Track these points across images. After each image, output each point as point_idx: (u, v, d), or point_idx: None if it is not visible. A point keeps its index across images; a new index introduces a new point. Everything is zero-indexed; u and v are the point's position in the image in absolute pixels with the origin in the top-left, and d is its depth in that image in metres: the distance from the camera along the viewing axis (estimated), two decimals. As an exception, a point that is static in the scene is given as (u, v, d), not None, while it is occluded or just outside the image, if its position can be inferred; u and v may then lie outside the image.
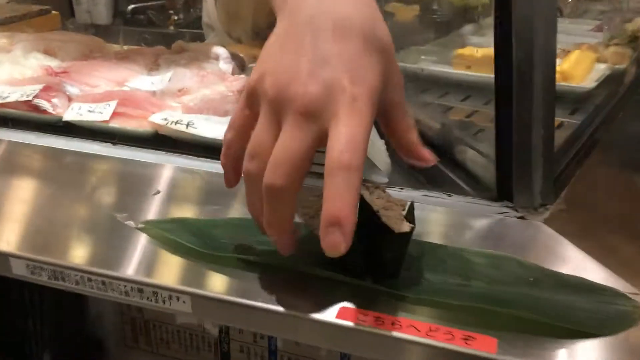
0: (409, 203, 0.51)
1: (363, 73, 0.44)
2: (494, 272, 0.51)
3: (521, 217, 0.59)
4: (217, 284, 0.50)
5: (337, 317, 0.46)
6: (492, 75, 0.84)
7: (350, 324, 0.45)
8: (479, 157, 0.69)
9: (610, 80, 0.92)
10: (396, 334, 0.44)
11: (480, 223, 0.59)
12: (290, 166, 0.43)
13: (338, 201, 0.41)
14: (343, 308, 0.47)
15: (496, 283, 0.49)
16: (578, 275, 0.51)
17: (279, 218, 0.46)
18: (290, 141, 0.43)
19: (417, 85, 0.93)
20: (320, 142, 0.43)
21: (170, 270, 0.52)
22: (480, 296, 0.47)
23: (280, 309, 0.47)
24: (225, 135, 0.51)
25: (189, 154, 0.72)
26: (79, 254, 0.55)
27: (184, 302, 0.49)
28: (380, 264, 0.50)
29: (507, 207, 0.61)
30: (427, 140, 0.77)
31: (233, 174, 0.52)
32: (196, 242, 0.54)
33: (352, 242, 0.46)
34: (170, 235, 0.55)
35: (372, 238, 0.50)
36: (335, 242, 0.42)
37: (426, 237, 0.56)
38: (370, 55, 0.45)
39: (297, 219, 0.49)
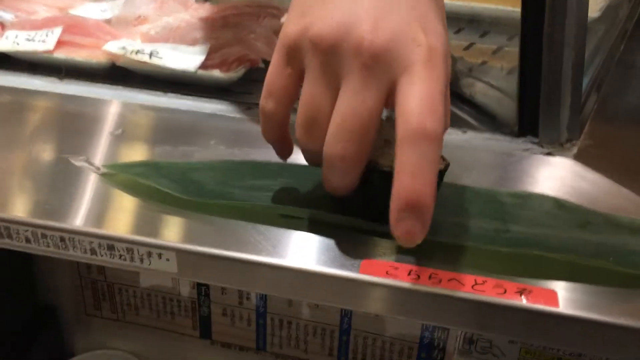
0: None
1: (434, 24, 0.36)
2: (532, 214, 0.44)
3: (549, 154, 0.52)
4: (207, 236, 0.40)
5: (361, 271, 0.37)
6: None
7: (378, 279, 0.37)
8: (490, 90, 0.61)
9: (610, 9, 0.85)
10: (436, 289, 0.36)
11: (504, 161, 0.51)
12: (361, 132, 0.35)
13: (418, 180, 0.33)
14: (367, 261, 0.38)
15: (538, 226, 0.42)
16: (626, 214, 0.44)
17: (347, 184, 0.38)
18: (357, 101, 0.35)
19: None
20: (387, 102, 0.36)
21: (146, 222, 0.42)
22: (524, 242, 0.40)
23: (291, 264, 0.38)
24: (262, 106, 0.40)
25: (153, 89, 0.61)
26: (28, 206, 0.43)
27: (167, 259, 0.39)
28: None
29: (532, 142, 0.53)
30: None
31: (285, 146, 0.43)
32: (177, 188, 0.44)
33: (379, 184, 0.38)
34: (144, 179, 0.44)
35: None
36: (412, 232, 0.34)
37: (448, 178, 0.48)
38: (435, 2, 0.37)
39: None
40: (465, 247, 0.39)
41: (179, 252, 0.39)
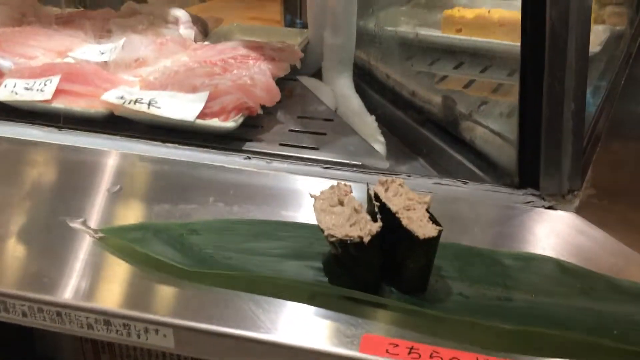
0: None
1: None
2: (535, 279, 0.43)
3: (550, 207, 0.51)
4: (205, 310, 0.40)
5: (361, 349, 0.37)
6: (496, 40, 0.76)
7: (378, 358, 0.36)
8: (490, 135, 0.60)
9: (610, 43, 0.85)
10: (437, 369, 0.36)
11: (506, 215, 0.51)
12: None
13: None
14: (367, 337, 0.38)
15: (541, 294, 0.42)
16: (630, 277, 0.43)
17: None
18: None
19: (402, 51, 0.84)
20: None
21: (143, 294, 0.41)
22: (529, 314, 0.39)
23: (288, 341, 0.38)
24: None
25: (152, 138, 0.60)
26: (23, 276, 0.43)
27: (164, 335, 0.39)
28: (405, 276, 0.41)
29: (533, 195, 0.53)
30: (427, 116, 0.68)
31: None
32: (173, 255, 0.43)
33: (370, 252, 0.38)
34: (139, 246, 0.44)
35: (393, 246, 0.41)
36: None
37: (447, 235, 0.47)
38: None
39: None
40: (467, 322, 0.39)
41: (176, 328, 0.39)
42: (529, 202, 0.52)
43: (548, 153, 0.52)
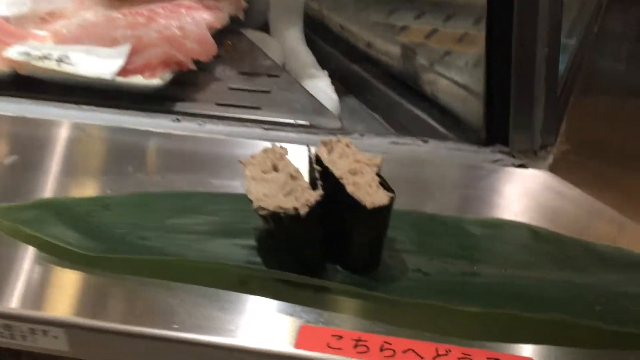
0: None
1: None
2: (505, 249, 0.37)
3: (521, 165, 0.45)
4: (109, 304, 0.32)
5: (297, 345, 0.30)
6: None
7: (317, 354, 0.30)
8: (454, 88, 0.54)
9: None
10: (389, 365, 0.29)
11: (472, 176, 0.44)
12: None
13: None
14: (305, 328, 0.31)
15: (513, 266, 0.35)
16: (612, 241, 0.37)
17: None
18: None
19: (358, 0, 0.76)
20: None
21: (32, 287, 0.34)
22: (499, 292, 0.33)
23: (209, 338, 0.31)
24: None
25: (64, 100, 0.52)
26: None
27: (55, 337, 0.32)
28: (352, 252, 0.35)
29: (501, 152, 0.46)
30: (385, 70, 0.61)
31: None
32: (74, 239, 0.36)
33: (309, 225, 0.31)
34: (32, 229, 0.36)
35: (338, 217, 0.34)
36: None
37: (404, 202, 0.41)
38: None
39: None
40: (425, 305, 0.32)
41: (68, 328, 0.31)
42: (497, 160, 0.46)
43: (519, 104, 0.46)
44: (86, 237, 0.36)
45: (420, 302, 0.32)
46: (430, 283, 0.34)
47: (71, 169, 0.44)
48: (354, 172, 0.34)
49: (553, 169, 0.45)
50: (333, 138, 0.37)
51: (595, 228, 0.39)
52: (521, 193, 0.43)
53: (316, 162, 0.36)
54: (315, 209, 0.32)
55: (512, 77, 0.45)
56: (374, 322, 0.31)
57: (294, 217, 0.32)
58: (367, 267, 0.35)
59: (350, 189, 0.33)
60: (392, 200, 0.32)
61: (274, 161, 0.36)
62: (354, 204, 0.32)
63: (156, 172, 0.44)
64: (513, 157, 0.46)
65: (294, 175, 0.34)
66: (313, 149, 0.37)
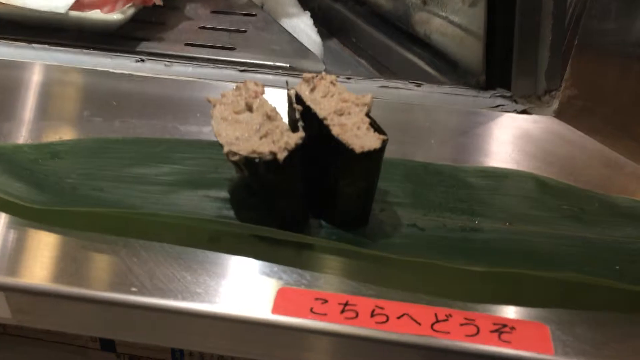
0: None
1: None
2: (509, 201, 0.33)
3: (524, 111, 0.41)
4: (56, 264, 0.28)
5: (274, 310, 0.26)
6: None
7: (297, 321, 0.26)
8: (449, 27, 0.48)
9: None
10: (382, 333, 0.25)
11: (470, 123, 0.40)
12: None
13: None
14: (283, 290, 0.27)
15: (518, 221, 0.31)
16: (627, 193, 0.34)
17: None
18: None
19: None
20: None
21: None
22: (503, 250, 0.29)
23: (172, 302, 0.26)
24: None
25: (15, 39, 0.46)
26: None
27: (-7, 303, 0.27)
28: (339, 204, 0.30)
29: (503, 96, 0.42)
30: (374, 9, 0.56)
31: None
32: (15, 189, 0.31)
33: (288, 173, 0.26)
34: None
35: (322, 164, 0.30)
36: None
37: (395, 149, 0.36)
38: None
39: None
40: (421, 263, 0.28)
41: (9, 291, 0.27)
42: (498, 105, 0.42)
43: (523, 44, 0.41)
44: (31, 187, 0.31)
45: (415, 260, 0.28)
46: (427, 239, 0.30)
47: (18, 113, 0.38)
48: (340, 113, 0.30)
49: (559, 115, 0.41)
50: (317, 74, 0.32)
51: (608, 179, 0.35)
52: (525, 141, 0.39)
53: (296, 100, 0.31)
54: (295, 154, 0.27)
55: (516, 13, 0.40)
56: (363, 283, 0.27)
57: (270, 164, 0.27)
58: (356, 222, 0.31)
59: (336, 130, 0.28)
60: (384, 143, 0.28)
61: (247, 100, 0.31)
62: (340, 149, 0.28)
63: (115, 117, 0.39)
64: (515, 102, 0.42)
65: (271, 116, 0.29)
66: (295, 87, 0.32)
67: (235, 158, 0.28)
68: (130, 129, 0.38)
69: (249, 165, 0.28)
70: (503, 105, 0.41)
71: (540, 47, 0.41)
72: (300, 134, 0.28)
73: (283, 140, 0.28)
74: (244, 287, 0.27)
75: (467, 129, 0.39)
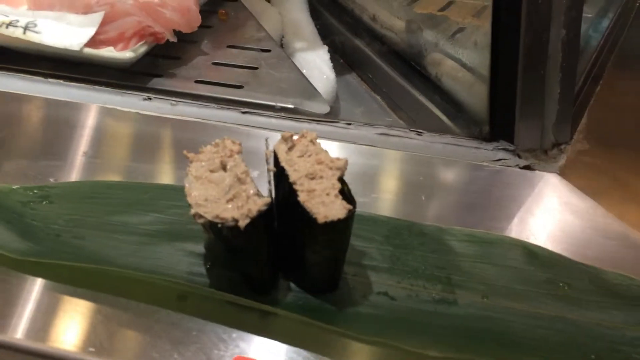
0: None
1: None
2: (491, 272, 0.31)
3: (527, 167, 0.39)
4: (19, 318, 0.29)
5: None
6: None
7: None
8: (460, 71, 0.47)
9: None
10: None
11: (468, 179, 0.39)
12: None
13: None
14: (238, 359, 0.27)
15: (497, 294, 0.30)
16: (621, 269, 0.32)
17: None
18: None
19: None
20: None
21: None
22: (473, 328, 0.28)
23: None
24: None
25: (33, 72, 0.48)
26: None
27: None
28: (306, 271, 0.30)
29: (506, 150, 0.40)
30: (391, 47, 0.55)
31: None
32: (4, 239, 0.32)
33: (251, 239, 0.26)
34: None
35: (292, 228, 0.29)
36: None
37: (383, 205, 0.36)
38: None
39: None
40: (380, 343, 0.27)
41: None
42: (499, 159, 0.40)
43: (526, 94, 0.39)
44: (14, 234, 0.32)
45: (374, 339, 0.27)
46: (395, 310, 0.29)
47: (15, 151, 0.40)
48: (312, 177, 0.29)
49: (564, 173, 0.39)
50: (297, 133, 0.32)
51: (607, 251, 0.33)
52: (522, 202, 0.37)
53: (274, 161, 0.31)
54: (258, 221, 0.27)
55: (519, 61, 0.39)
56: (321, 356, 0.27)
57: (233, 229, 0.27)
58: (325, 287, 0.30)
59: (303, 197, 0.28)
60: (350, 213, 0.27)
61: (223, 159, 0.31)
62: (305, 216, 0.27)
63: (113, 159, 0.40)
64: (518, 156, 0.40)
65: (241, 178, 0.29)
66: (272, 145, 0.32)
67: (201, 221, 0.28)
68: (125, 172, 0.39)
69: (214, 229, 0.28)
70: (505, 159, 0.40)
71: (546, 99, 0.39)
72: (266, 200, 0.28)
73: (247, 207, 0.27)
74: (199, 355, 0.27)
75: (462, 185, 0.38)
